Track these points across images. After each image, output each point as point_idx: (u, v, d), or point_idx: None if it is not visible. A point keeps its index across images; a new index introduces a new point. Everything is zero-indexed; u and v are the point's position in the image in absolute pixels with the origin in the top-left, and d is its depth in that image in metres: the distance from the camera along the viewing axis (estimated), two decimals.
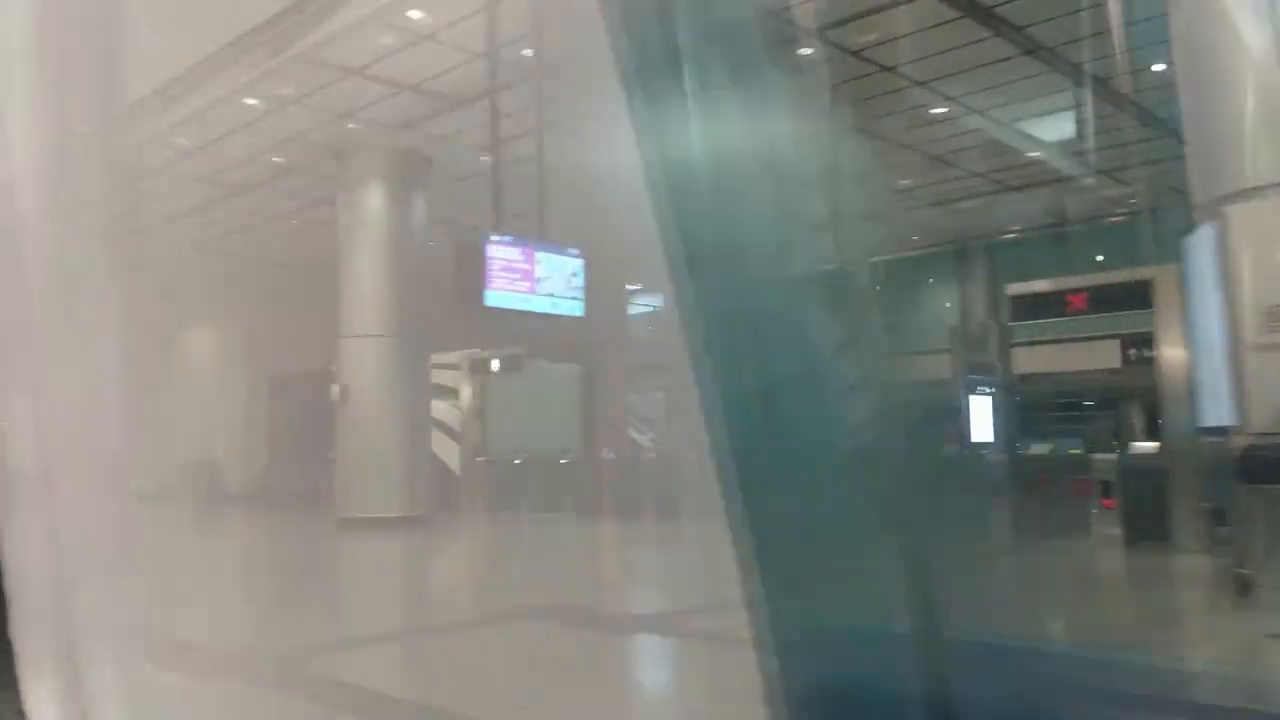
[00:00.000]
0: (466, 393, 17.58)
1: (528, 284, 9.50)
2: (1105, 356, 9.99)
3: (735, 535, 1.72)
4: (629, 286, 20.01)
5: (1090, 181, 14.38)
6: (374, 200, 14.49)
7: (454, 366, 17.50)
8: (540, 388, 17.53)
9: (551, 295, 9.70)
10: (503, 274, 9.35)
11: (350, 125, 13.49)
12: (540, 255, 9.72)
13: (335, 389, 14.30)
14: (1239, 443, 6.41)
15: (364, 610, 7.92)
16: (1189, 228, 7.01)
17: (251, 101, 12.72)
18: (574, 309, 10.00)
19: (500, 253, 9.43)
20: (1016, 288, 10.93)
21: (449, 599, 8.71)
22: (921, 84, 12.10)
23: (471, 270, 9.17)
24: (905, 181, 16.07)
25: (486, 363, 17.05)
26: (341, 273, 14.64)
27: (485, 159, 15.02)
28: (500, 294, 9.28)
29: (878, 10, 10.29)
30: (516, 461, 16.18)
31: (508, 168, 14.29)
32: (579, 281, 10.00)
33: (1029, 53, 11.16)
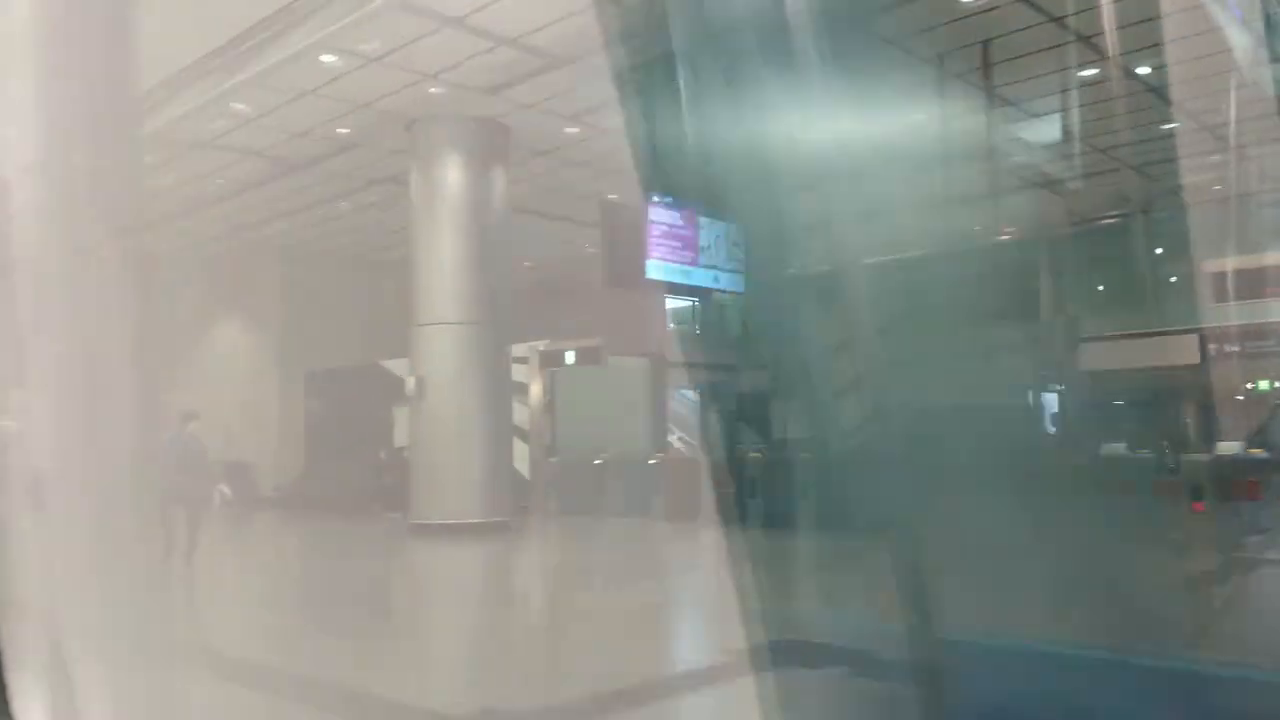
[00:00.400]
0: (535, 388, 16.25)
1: (690, 254, 8.18)
2: None
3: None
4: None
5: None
6: (452, 173, 13.16)
7: (522, 360, 16.19)
8: (614, 382, 16.20)
9: (715, 268, 8.39)
10: (664, 241, 8.01)
11: (432, 90, 12.13)
12: (703, 220, 8.39)
13: (410, 381, 12.96)
14: None
15: (549, 653, 6.59)
16: None
17: (329, 59, 11.37)
18: (735, 283, 8.69)
19: (662, 216, 8.09)
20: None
21: (640, 631, 7.35)
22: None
23: (628, 238, 7.84)
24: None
25: (559, 355, 15.72)
26: (416, 253, 13.31)
27: (571, 130, 13.78)
28: (662, 265, 7.95)
29: None
30: (597, 462, 14.84)
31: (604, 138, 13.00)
32: (740, 253, 8.69)
33: None
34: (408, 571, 10.47)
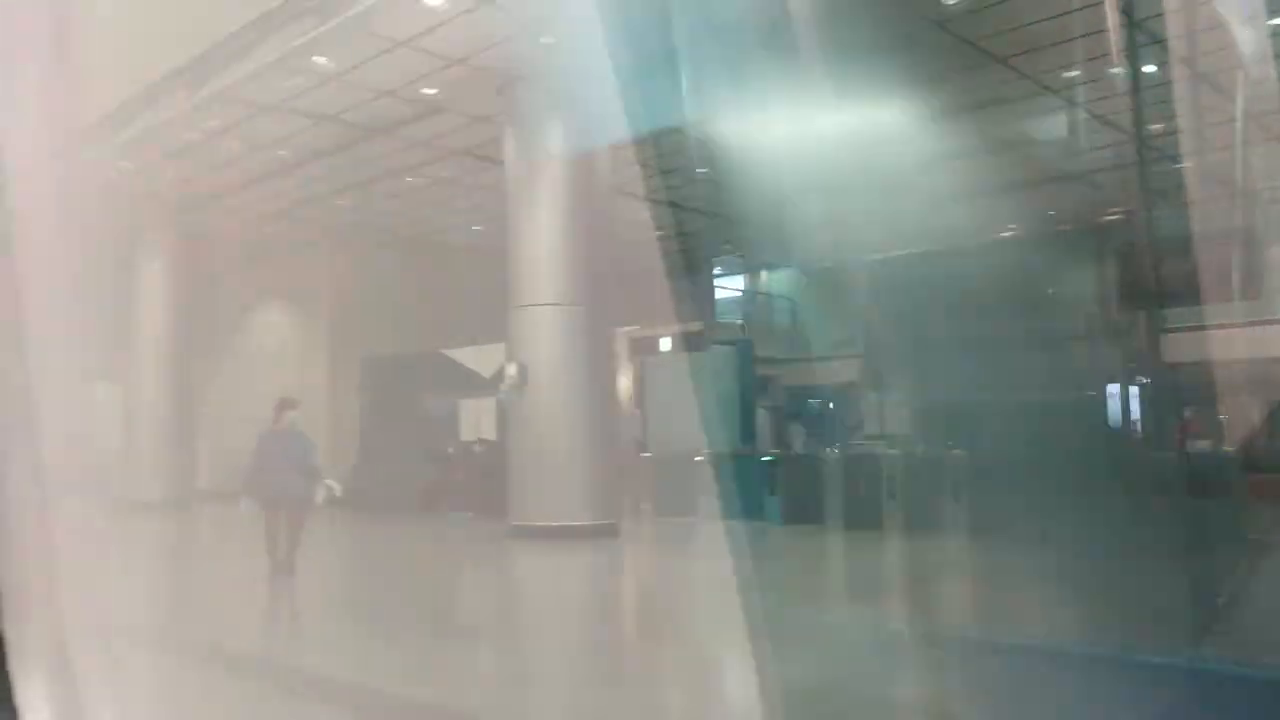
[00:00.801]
0: (624, 378, 14.98)
1: None
2: None
3: None
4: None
5: None
6: (554, 138, 11.87)
7: None
8: (709, 371, 14.90)
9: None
10: None
11: (547, 39, 10.84)
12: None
13: (511, 368, 11.68)
14: None
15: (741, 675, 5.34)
16: None
17: (435, 3, 10.08)
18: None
19: None
20: None
21: (824, 656, 6.09)
22: None
23: None
24: None
25: (652, 342, 14.44)
26: (512, 229, 12.03)
27: None
28: None
29: None
30: (698, 458, 13.53)
31: None
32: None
33: None
34: (532, 582, 9.20)
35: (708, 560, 10.71)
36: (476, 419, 16.89)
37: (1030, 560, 9.74)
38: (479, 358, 17.42)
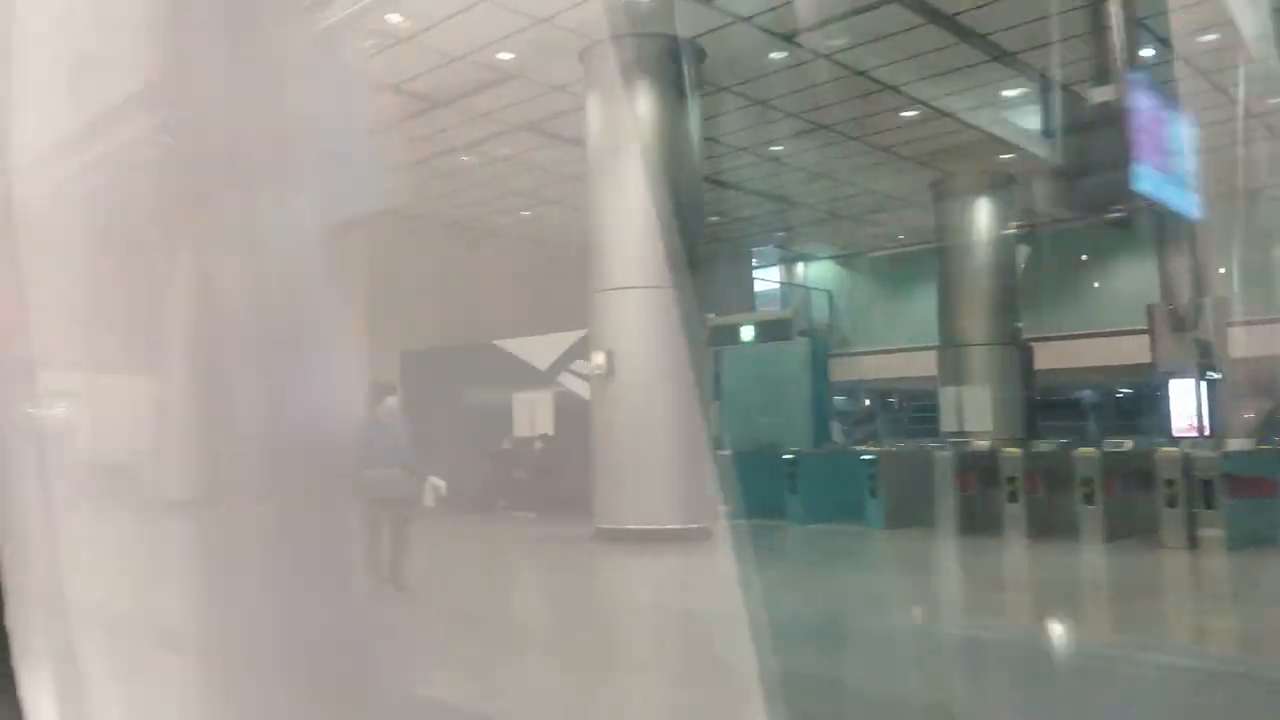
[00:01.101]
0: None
1: (1163, 158, 5.84)
2: None
3: None
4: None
5: None
6: (643, 105, 10.87)
7: None
8: (790, 363, 13.90)
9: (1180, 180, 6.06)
10: (1151, 141, 5.68)
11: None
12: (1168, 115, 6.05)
13: (598, 358, 10.69)
14: None
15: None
16: None
17: None
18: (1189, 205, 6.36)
19: (1144, 103, 5.76)
20: None
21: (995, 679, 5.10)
22: None
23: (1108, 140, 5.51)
24: None
25: (731, 331, 13.44)
26: (596, 205, 11.04)
27: (778, 55, 11.50)
28: (1150, 173, 5.63)
29: None
30: (787, 456, 12.54)
31: None
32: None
33: None
34: (661, 598, 8.19)
35: (827, 570, 9.71)
36: (532, 413, 15.91)
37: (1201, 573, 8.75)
38: (534, 349, 16.48)
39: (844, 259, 23.97)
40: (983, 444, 12.85)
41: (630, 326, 10.63)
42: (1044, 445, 11.76)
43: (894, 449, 13.04)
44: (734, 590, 8.46)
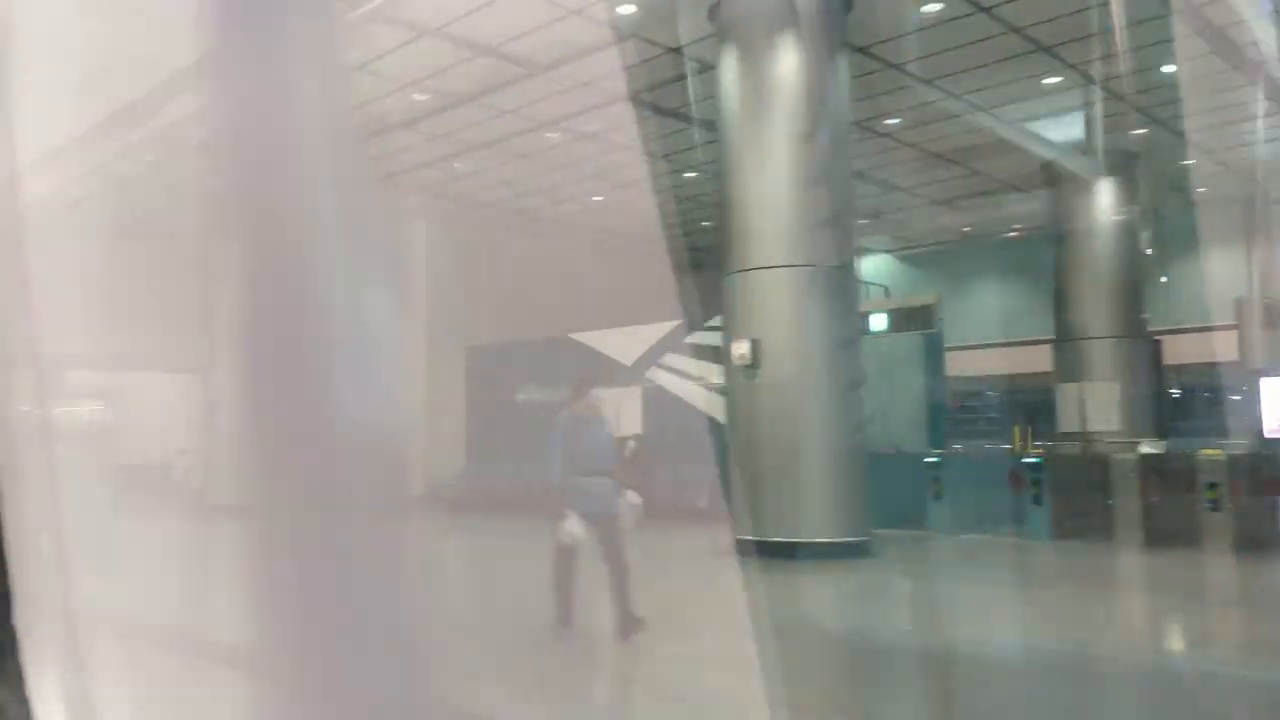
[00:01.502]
0: None
1: None
2: None
3: None
4: None
5: None
6: (785, 61, 9.59)
7: None
8: (913, 356, 12.56)
9: None
10: None
11: None
12: None
13: (741, 347, 9.40)
14: None
15: None
16: None
17: None
18: None
19: None
20: None
21: None
22: None
23: None
24: None
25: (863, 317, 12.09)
26: (733, 170, 9.76)
27: (934, 7, 10.24)
28: None
29: None
30: (930, 459, 11.22)
31: None
32: None
33: None
34: (866, 619, 6.87)
35: (1027, 591, 8.37)
36: (619, 413, 14.61)
37: None
38: (618, 343, 15.24)
39: (902, 252, 22.75)
40: (1114, 444, 11.61)
41: (778, 311, 9.33)
42: (1209, 448, 10.45)
43: (1064, 452, 11.74)
44: (945, 617, 7.15)
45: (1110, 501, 10.20)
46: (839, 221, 9.45)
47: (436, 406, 17.71)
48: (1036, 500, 10.43)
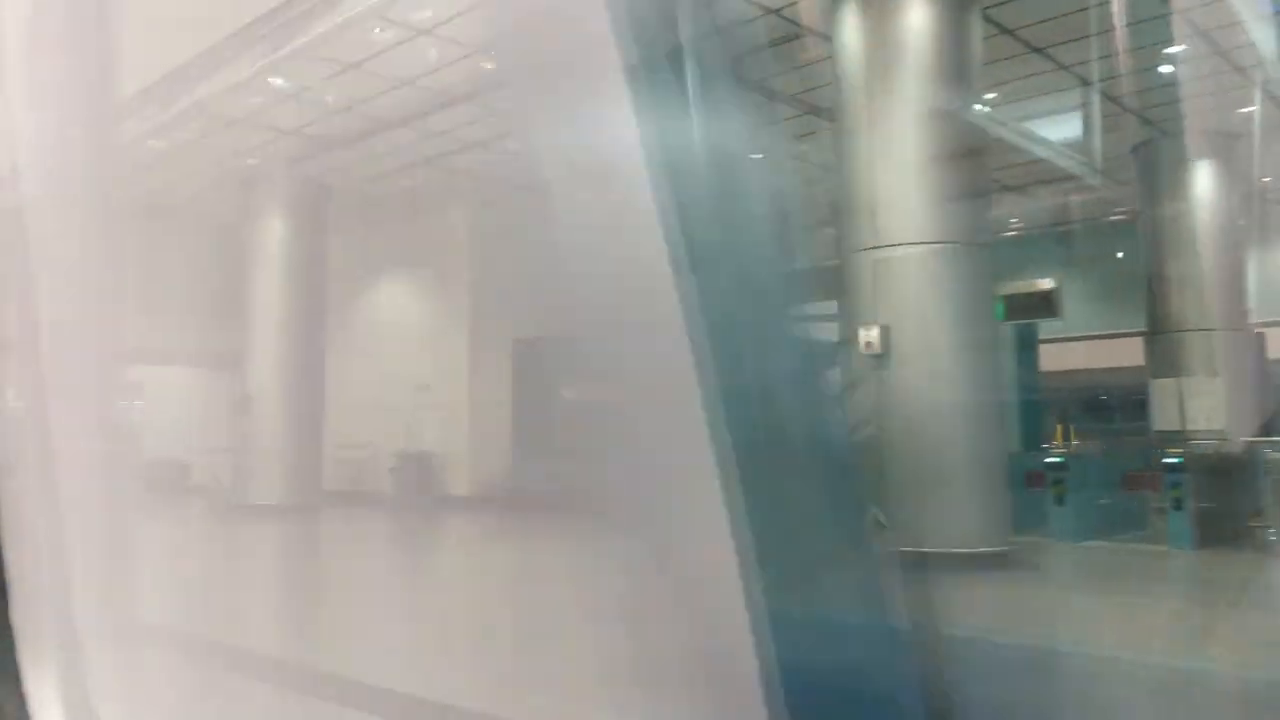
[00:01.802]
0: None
1: None
2: None
3: None
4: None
5: None
6: (916, 15, 8.62)
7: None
8: (1022, 347, 11.57)
9: None
10: None
11: None
12: None
13: (870, 334, 8.42)
14: None
15: None
16: None
17: None
18: None
19: None
20: None
21: None
22: None
23: None
24: None
25: None
26: (849, 136, 8.79)
27: None
28: None
29: None
30: (1052, 460, 10.25)
31: None
32: None
33: None
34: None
35: (1204, 606, 7.39)
36: None
37: None
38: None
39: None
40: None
41: (912, 296, 8.35)
42: None
43: (1210, 452, 10.79)
44: (1140, 642, 6.18)
45: (1257, 506, 9.28)
46: (980, 194, 8.50)
47: (478, 399, 16.75)
48: (1178, 505, 9.46)
